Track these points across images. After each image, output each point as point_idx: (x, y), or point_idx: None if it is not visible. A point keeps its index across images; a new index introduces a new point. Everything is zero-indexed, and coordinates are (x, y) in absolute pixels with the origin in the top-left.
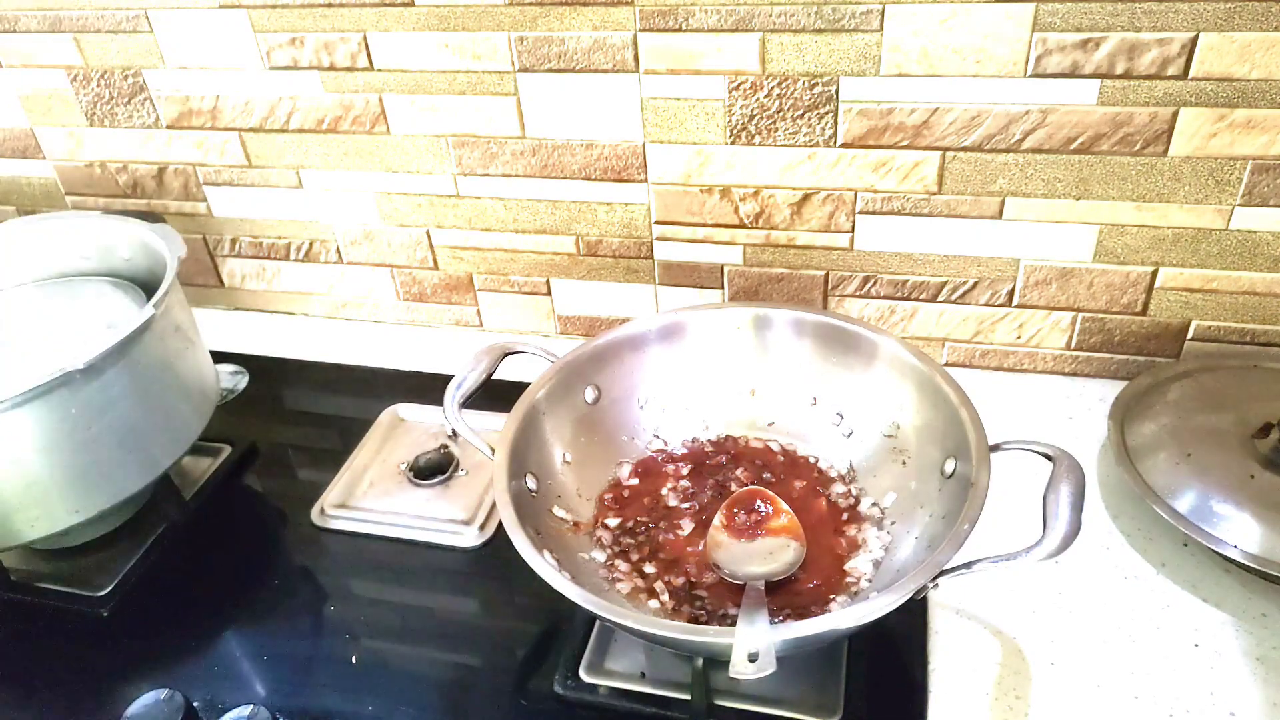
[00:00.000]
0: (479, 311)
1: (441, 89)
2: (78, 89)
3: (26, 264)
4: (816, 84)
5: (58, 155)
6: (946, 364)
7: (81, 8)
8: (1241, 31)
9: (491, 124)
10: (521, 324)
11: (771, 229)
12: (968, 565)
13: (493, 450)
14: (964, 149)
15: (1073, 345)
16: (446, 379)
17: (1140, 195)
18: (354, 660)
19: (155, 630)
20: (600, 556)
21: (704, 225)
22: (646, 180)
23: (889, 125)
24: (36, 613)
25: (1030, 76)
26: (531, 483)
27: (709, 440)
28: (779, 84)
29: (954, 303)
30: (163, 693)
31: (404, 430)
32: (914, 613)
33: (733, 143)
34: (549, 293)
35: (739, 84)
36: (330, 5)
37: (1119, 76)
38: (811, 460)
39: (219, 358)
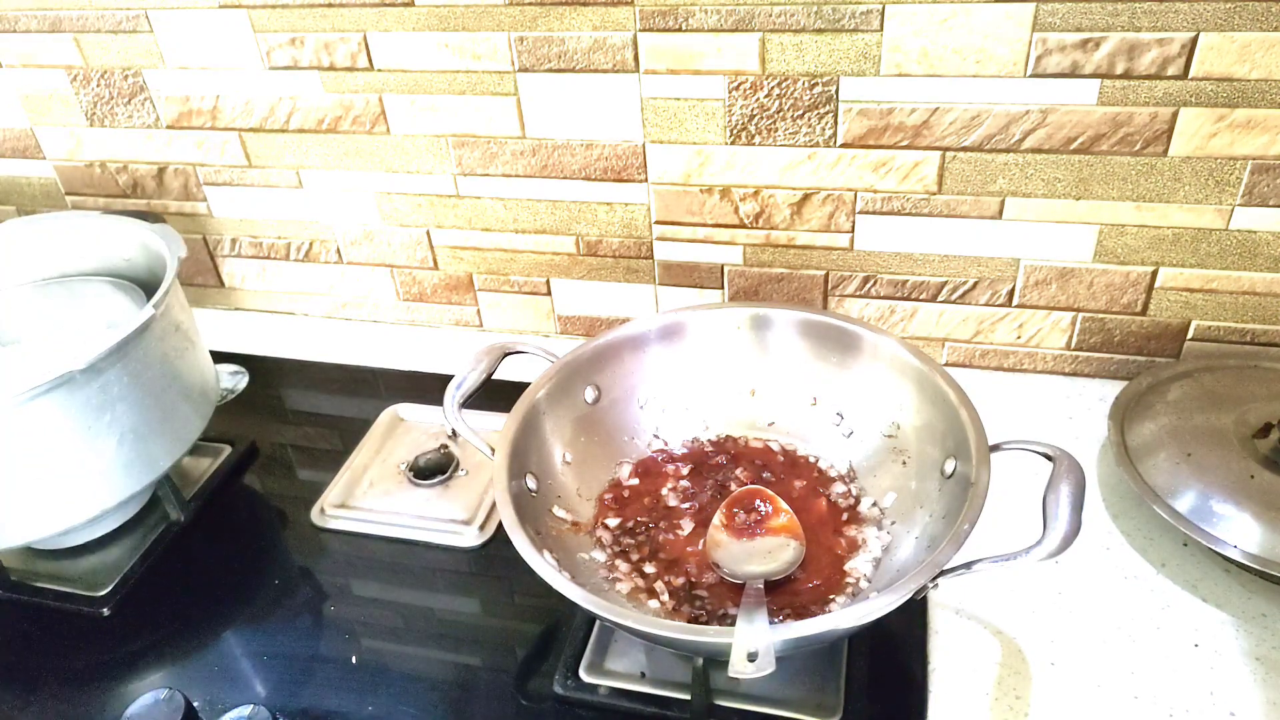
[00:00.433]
0: (479, 311)
1: (441, 89)
2: (78, 89)
3: (26, 264)
4: (816, 84)
5: (58, 155)
6: (946, 364)
7: (81, 8)
8: (1241, 31)
9: (491, 124)
10: (521, 324)
11: (771, 229)
12: (968, 565)
13: (493, 450)
14: (964, 149)
15: (1073, 345)
16: (446, 379)
17: (1140, 195)
18: (354, 660)
19: (155, 630)
20: (600, 556)
21: (704, 225)
22: (646, 180)
23: (889, 125)
24: (36, 613)
25: (1030, 76)
26: (531, 483)
27: (709, 440)
28: (779, 84)
29: (954, 303)
30: (163, 693)
31: (404, 430)
32: (914, 613)
33: (733, 143)
34: (549, 293)
35: (739, 84)
36: (330, 5)
37: (1119, 76)
38: (811, 460)
39: (219, 358)
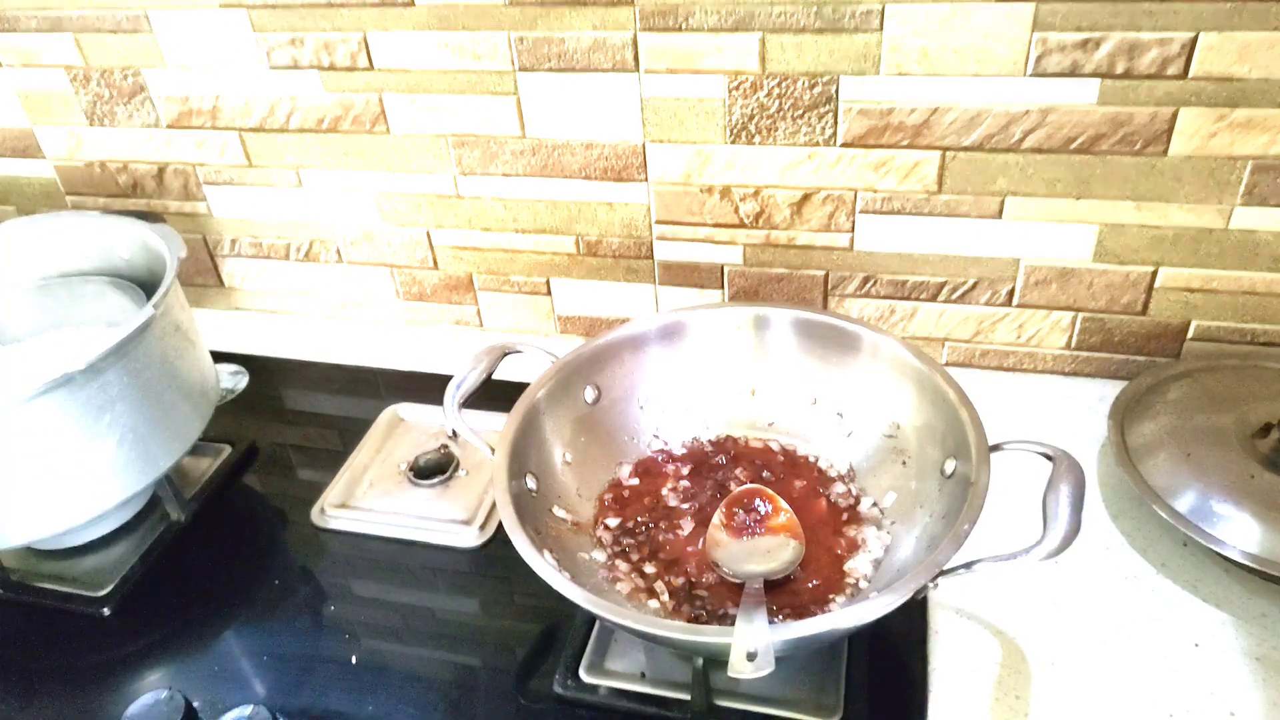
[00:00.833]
0: (479, 311)
1: (441, 89)
2: (78, 89)
3: (26, 264)
4: (816, 84)
5: (58, 155)
6: (946, 364)
7: (81, 8)
8: (1241, 31)
9: (491, 124)
10: (521, 324)
11: (771, 229)
12: (968, 565)
13: (493, 450)
14: (964, 149)
15: (1073, 345)
16: (446, 379)
17: (1140, 195)
18: (354, 660)
19: (155, 630)
20: (600, 556)
21: (704, 225)
22: (646, 180)
23: (889, 125)
24: (36, 613)
25: (1030, 76)
26: (531, 483)
27: (709, 440)
28: (779, 84)
29: (954, 303)
30: (163, 693)
31: (404, 430)
32: (914, 613)
33: (733, 142)
34: (549, 293)
35: (739, 84)
36: (330, 5)
37: (1119, 76)
38: (811, 460)
39: (219, 358)
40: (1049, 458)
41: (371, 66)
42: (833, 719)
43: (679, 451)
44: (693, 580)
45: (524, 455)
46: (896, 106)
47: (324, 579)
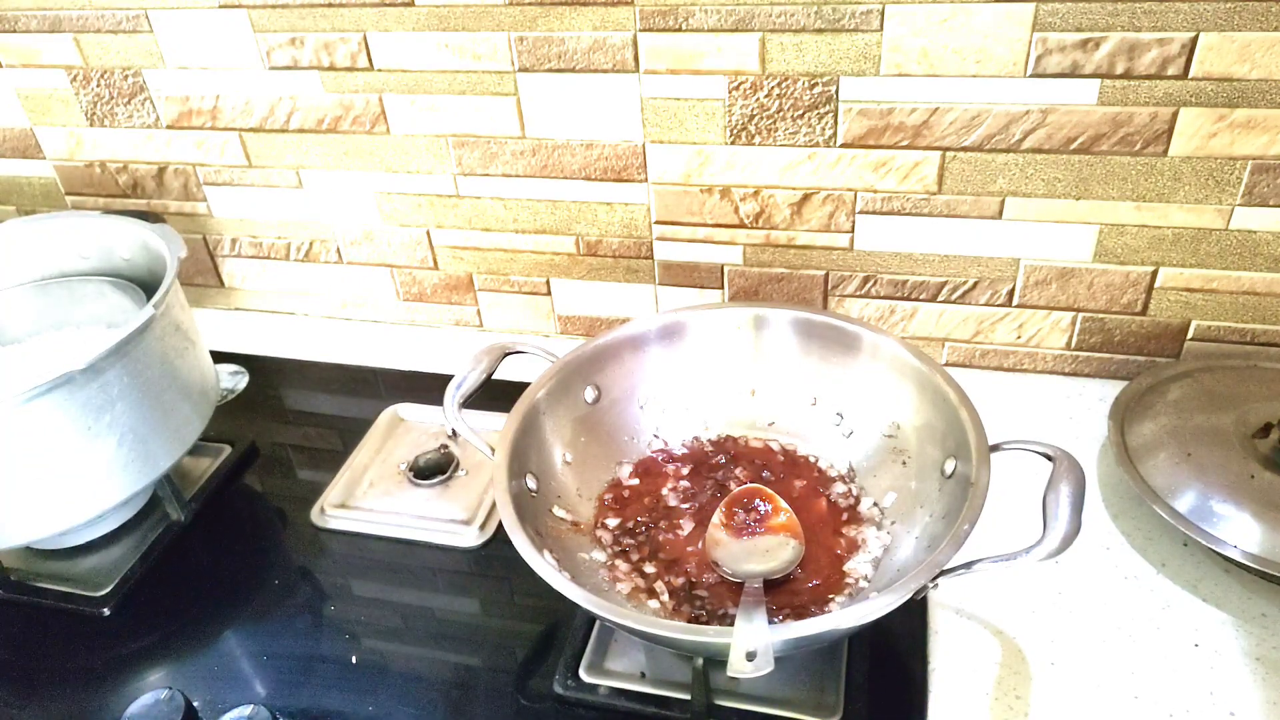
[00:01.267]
0: (479, 311)
1: (441, 89)
2: (78, 89)
3: (26, 264)
4: (816, 84)
5: (58, 155)
6: (946, 364)
7: (81, 8)
8: (1241, 31)
9: (491, 124)
10: (521, 324)
11: (771, 229)
12: (968, 565)
13: (493, 450)
14: (964, 149)
15: (1073, 345)
16: (446, 379)
17: (1140, 195)
18: (354, 660)
19: (155, 630)
20: (600, 556)
21: (704, 225)
22: (646, 180)
23: (889, 125)
24: (36, 613)
25: (1030, 76)
26: (531, 483)
27: (709, 440)
28: (779, 84)
29: (954, 303)
30: (163, 693)
31: (404, 430)
32: (914, 613)
33: (733, 143)
34: (549, 293)
35: (739, 84)
36: (330, 5)
37: (1119, 76)
38: (811, 460)
39: (219, 358)
40: (1049, 458)
41: (371, 67)
42: (833, 719)
43: (679, 451)
44: (693, 580)
45: (524, 455)
46: (896, 107)
47: (324, 579)
